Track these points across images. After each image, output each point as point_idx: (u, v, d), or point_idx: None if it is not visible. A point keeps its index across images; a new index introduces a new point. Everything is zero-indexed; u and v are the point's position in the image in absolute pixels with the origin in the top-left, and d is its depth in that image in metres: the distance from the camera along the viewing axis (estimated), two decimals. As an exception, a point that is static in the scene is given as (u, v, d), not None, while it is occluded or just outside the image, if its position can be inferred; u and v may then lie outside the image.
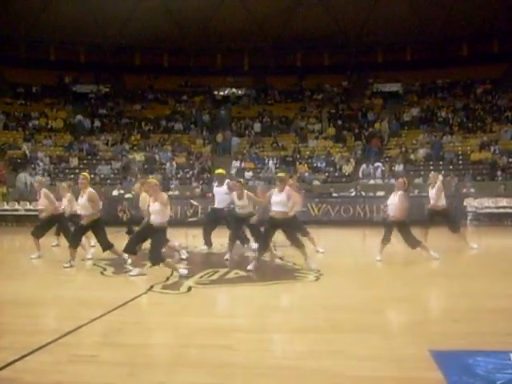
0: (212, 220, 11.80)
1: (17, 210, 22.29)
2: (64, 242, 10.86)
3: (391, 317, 5.79)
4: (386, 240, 9.99)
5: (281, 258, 10.34)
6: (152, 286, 7.45)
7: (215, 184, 11.90)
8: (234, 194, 10.38)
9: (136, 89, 34.57)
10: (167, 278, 8.14)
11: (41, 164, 26.07)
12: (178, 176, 25.47)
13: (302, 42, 33.16)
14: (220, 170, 12.38)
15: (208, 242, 11.73)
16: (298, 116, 31.24)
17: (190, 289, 7.38)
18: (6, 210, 22.28)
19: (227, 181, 11.62)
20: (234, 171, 25.00)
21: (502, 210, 19.68)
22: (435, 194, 11.81)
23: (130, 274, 8.54)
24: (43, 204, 10.95)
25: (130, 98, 33.83)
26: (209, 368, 4.19)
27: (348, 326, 5.43)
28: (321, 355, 4.50)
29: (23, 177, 23.91)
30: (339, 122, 30.07)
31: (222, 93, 35.55)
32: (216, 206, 11.56)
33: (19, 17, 30.73)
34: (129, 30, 31.86)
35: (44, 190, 11.07)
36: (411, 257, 10.54)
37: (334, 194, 21.40)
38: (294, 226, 9.52)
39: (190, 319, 5.94)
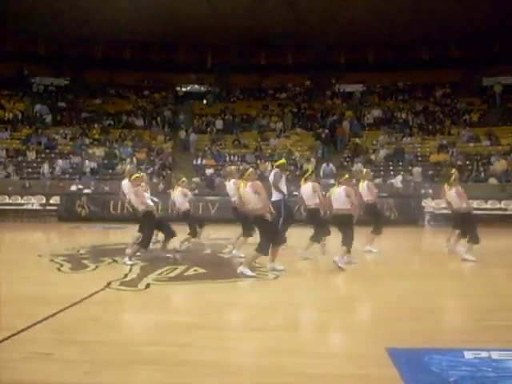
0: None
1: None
2: None
3: (349, 315, 5.84)
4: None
5: (240, 257, 10.35)
6: (109, 283, 7.35)
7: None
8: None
9: (97, 83, 34.04)
10: (125, 275, 8.05)
11: (-4, 157, 25.53)
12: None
13: (266, 41, 33.19)
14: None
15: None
16: (260, 114, 31.33)
17: (148, 286, 7.31)
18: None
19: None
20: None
21: (458, 211, 20.04)
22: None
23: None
24: None
25: (91, 91, 33.34)
26: (167, 366, 4.15)
27: (307, 325, 5.46)
28: (280, 353, 4.51)
29: None
30: (301, 122, 30.34)
31: (184, 89, 35.40)
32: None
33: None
34: (90, 23, 31.32)
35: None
36: (370, 257, 10.68)
37: (295, 193, 21.43)
38: None
39: (148, 316, 5.88)
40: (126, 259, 9.21)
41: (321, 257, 10.24)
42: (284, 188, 10.52)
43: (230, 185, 10.63)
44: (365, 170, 12.14)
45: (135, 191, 9.70)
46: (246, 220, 9.76)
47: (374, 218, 11.49)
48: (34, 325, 5.17)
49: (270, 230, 8.23)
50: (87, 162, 25.44)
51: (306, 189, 10.37)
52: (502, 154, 24.53)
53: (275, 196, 10.12)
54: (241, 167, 10.67)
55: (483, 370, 3.99)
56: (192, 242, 11.66)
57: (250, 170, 8.58)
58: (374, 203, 11.49)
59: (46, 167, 24.87)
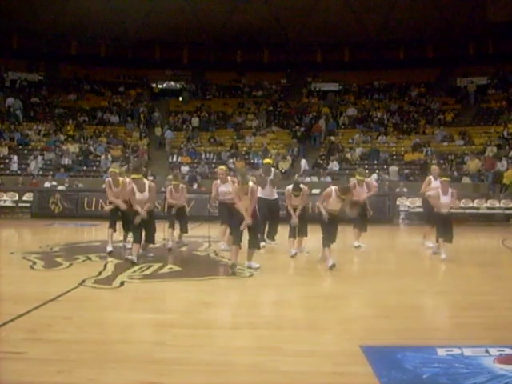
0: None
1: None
2: None
3: (325, 313, 5.87)
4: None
5: (216, 253, 10.37)
6: (84, 281, 7.27)
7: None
8: None
9: (71, 78, 33.67)
10: (99, 273, 7.97)
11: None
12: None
13: (243, 38, 33.17)
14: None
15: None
16: (236, 112, 31.30)
17: (122, 283, 7.25)
18: None
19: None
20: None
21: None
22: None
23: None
24: None
25: (65, 87, 32.94)
26: (142, 364, 4.13)
27: (283, 323, 5.47)
28: (256, 351, 4.51)
29: None
30: (277, 119, 30.41)
31: (160, 86, 35.20)
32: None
33: None
34: (65, 18, 30.96)
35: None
36: (346, 255, 10.72)
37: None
38: None
39: (122, 314, 5.84)
40: (133, 257, 9.02)
41: (299, 254, 10.23)
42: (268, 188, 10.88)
43: (227, 185, 10.56)
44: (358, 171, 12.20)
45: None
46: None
47: (361, 215, 11.58)
48: (7, 323, 5.10)
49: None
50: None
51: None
52: (475, 154, 24.84)
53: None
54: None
55: (456, 367, 4.05)
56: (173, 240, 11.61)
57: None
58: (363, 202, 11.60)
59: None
